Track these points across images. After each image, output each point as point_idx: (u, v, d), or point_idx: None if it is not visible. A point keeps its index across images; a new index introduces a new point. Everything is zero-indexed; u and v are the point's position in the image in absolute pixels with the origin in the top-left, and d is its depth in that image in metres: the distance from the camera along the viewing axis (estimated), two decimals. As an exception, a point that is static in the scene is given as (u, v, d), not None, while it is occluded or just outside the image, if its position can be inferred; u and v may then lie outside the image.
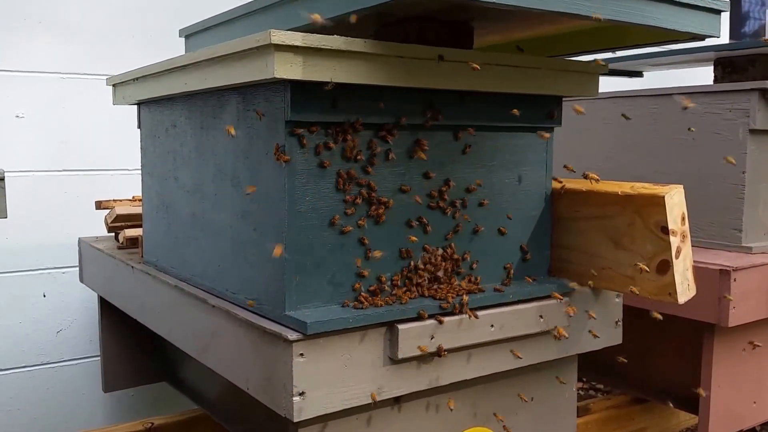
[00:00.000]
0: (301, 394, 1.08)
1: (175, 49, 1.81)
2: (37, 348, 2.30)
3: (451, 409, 1.30)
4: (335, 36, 1.10)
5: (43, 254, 2.29)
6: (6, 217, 1.29)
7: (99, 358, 2.13)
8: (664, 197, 1.25)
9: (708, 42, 1.61)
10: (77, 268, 2.10)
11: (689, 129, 1.55)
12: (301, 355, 1.08)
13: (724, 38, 1.78)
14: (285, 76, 1.07)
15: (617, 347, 1.47)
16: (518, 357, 1.31)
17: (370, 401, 1.16)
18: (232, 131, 1.24)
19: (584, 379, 2.23)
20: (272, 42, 1.05)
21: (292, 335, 1.08)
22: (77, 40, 2.30)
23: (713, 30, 1.32)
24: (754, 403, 1.78)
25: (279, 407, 1.11)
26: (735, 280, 1.56)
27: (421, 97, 1.23)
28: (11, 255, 2.25)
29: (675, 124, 1.88)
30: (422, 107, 1.24)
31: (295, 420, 1.09)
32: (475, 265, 1.34)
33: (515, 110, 1.33)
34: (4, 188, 1.22)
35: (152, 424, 1.93)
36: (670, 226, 1.25)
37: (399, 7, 1.16)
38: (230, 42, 1.17)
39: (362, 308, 1.17)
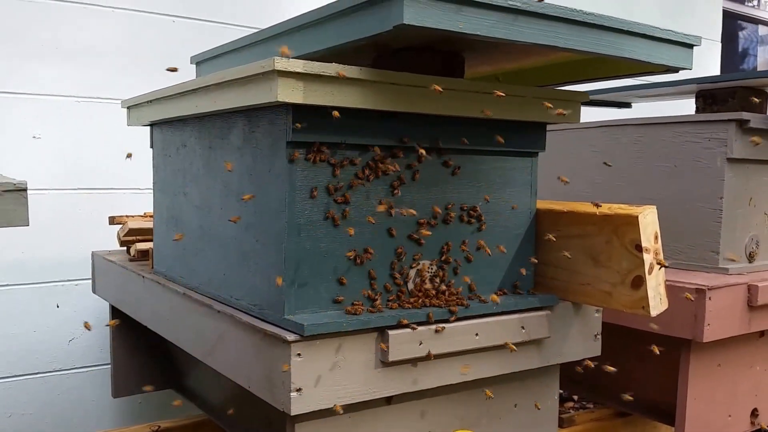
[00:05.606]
0: (298, 390, 1.14)
1: (186, 75, 1.89)
2: (50, 355, 2.36)
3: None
4: (333, 63, 1.16)
5: (57, 267, 2.36)
6: (28, 225, 1.34)
7: (108, 366, 2.19)
8: (637, 217, 1.31)
9: (690, 75, 1.69)
10: (89, 281, 2.17)
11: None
12: (299, 355, 1.14)
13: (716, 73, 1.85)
14: (287, 100, 1.14)
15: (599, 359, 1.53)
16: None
17: (362, 399, 1.22)
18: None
19: (575, 398, 2.28)
20: (276, 68, 1.11)
21: (291, 336, 1.14)
22: (91, 66, 2.38)
23: (686, 63, 1.40)
24: (729, 416, 1.82)
25: (278, 402, 1.17)
26: (710, 298, 1.62)
27: (414, 121, 1.30)
28: (27, 268, 2.32)
29: (658, 152, 1.94)
30: (416, 131, 1.31)
31: (292, 414, 1.15)
32: (463, 279, 1.40)
33: (500, 138, 1.39)
34: (26, 198, 1.26)
35: (159, 426, 1.95)
36: (644, 244, 1.31)
37: (394, 39, 1.23)
38: (237, 68, 1.23)
39: (356, 314, 1.23)
